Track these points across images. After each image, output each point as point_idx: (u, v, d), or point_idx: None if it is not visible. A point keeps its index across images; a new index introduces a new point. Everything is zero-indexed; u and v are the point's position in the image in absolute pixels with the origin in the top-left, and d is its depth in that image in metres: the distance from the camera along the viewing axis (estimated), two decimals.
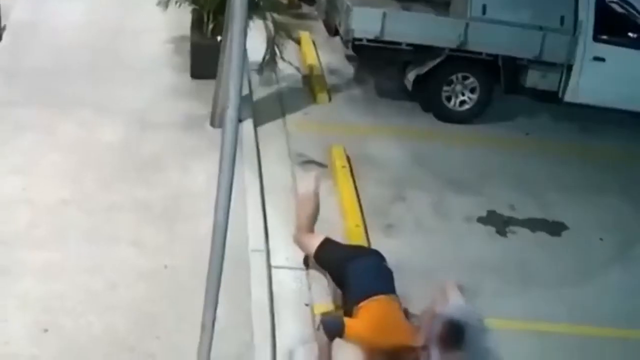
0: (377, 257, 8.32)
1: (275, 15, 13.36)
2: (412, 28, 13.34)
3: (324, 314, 8.58)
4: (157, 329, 8.23)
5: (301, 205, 8.76)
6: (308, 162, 9.88)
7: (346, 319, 7.61)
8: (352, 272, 7.95)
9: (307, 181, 8.83)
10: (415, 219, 10.95)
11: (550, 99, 13.77)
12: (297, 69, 14.58)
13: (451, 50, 13.31)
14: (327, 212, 10.54)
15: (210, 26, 13.35)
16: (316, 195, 8.62)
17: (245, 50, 5.76)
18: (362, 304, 7.64)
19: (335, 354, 7.99)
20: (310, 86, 14.23)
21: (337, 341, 7.77)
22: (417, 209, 11.17)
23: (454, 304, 7.64)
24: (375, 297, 7.66)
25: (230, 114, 5.57)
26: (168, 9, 13.80)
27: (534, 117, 14.27)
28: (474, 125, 13.74)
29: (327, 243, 8.33)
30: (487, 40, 13.31)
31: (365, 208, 10.91)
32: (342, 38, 14.03)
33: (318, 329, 7.87)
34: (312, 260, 8.52)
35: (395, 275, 8.12)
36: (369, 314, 7.57)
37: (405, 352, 7.43)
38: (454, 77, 13.67)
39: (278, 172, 11.44)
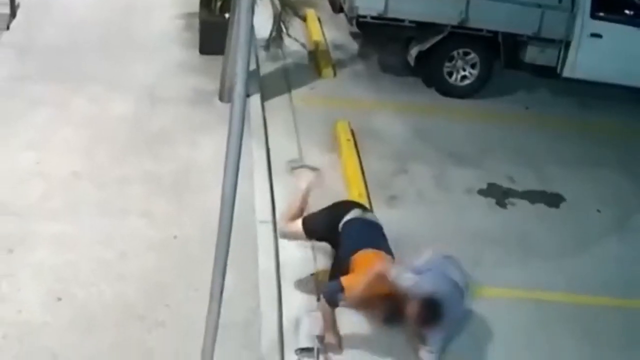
0: (360, 208, 8.42)
1: None
2: (415, 5, 13.19)
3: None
4: (167, 297, 8.25)
5: (291, 202, 8.80)
6: (301, 167, 9.74)
7: (342, 278, 7.63)
8: (344, 231, 8.05)
9: (302, 183, 8.86)
10: (417, 191, 10.90)
11: (549, 74, 13.68)
12: (303, 45, 14.50)
13: (453, 27, 13.18)
14: (333, 184, 10.57)
15: (219, 3, 13.27)
16: (305, 199, 8.67)
17: (252, 27, 5.69)
18: (355, 255, 7.74)
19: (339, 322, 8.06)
20: (316, 62, 14.14)
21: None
22: (419, 181, 11.12)
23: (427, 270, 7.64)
24: (368, 250, 7.77)
25: (238, 89, 5.51)
26: None
27: (533, 92, 14.17)
28: (475, 99, 13.65)
29: (308, 218, 8.41)
30: (488, 17, 13.18)
31: (369, 180, 10.86)
32: (346, 15, 13.89)
33: (319, 299, 7.88)
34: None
35: (398, 245, 8.11)
36: (364, 263, 7.65)
37: (403, 301, 7.44)
38: (455, 53, 13.57)
39: (285, 145, 11.40)
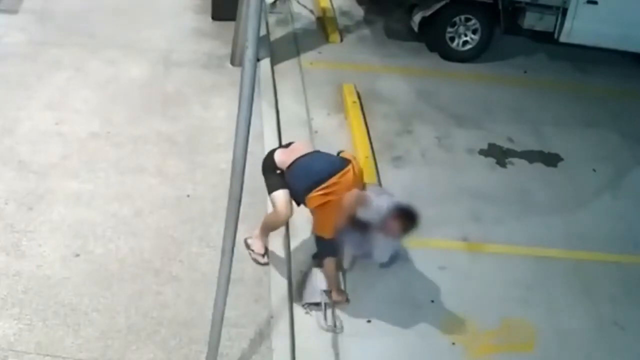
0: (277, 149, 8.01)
1: None
2: None
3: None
4: (181, 253, 8.15)
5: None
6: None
7: (315, 230, 7.59)
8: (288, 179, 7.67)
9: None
10: (421, 151, 10.73)
11: (547, 39, 13.45)
12: (311, 11, 14.30)
13: None
14: (340, 145, 10.39)
15: None
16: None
17: None
18: (306, 200, 7.45)
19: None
20: (323, 27, 13.87)
21: None
22: (423, 141, 10.94)
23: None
24: (312, 193, 7.36)
25: (249, 54, 5.33)
26: None
27: (531, 56, 13.90)
28: (476, 64, 13.37)
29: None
30: None
31: (375, 141, 10.68)
32: None
33: (319, 264, 7.84)
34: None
35: None
36: (317, 205, 7.39)
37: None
38: (457, 19, 13.27)
39: (294, 108, 11.22)
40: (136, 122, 10.17)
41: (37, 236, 8.07)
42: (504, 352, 7.84)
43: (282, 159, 7.74)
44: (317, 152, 7.89)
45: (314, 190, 7.34)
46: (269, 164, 7.84)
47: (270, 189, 7.79)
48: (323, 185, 7.33)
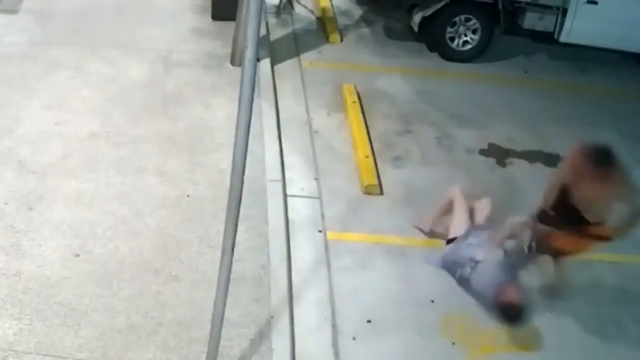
0: None
1: None
2: None
3: None
4: (180, 253, 8.14)
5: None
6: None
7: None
8: None
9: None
10: (421, 151, 10.72)
11: (547, 39, 13.46)
12: (311, 11, 14.31)
13: None
14: (340, 145, 10.49)
15: None
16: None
17: None
18: None
19: None
20: (323, 28, 13.88)
21: None
22: (422, 141, 10.93)
23: None
24: None
25: (249, 55, 5.33)
26: None
27: (531, 56, 13.92)
28: (476, 64, 13.39)
29: None
30: None
31: (375, 141, 10.67)
32: None
33: None
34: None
35: (406, 205, 7.90)
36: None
37: None
38: (457, 19, 13.27)
39: (294, 108, 11.23)
40: (136, 122, 10.17)
41: (37, 236, 8.06)
42: (504, 352, 7.82)
43: None
44: None
45: None
46: None
47: None
48: None
